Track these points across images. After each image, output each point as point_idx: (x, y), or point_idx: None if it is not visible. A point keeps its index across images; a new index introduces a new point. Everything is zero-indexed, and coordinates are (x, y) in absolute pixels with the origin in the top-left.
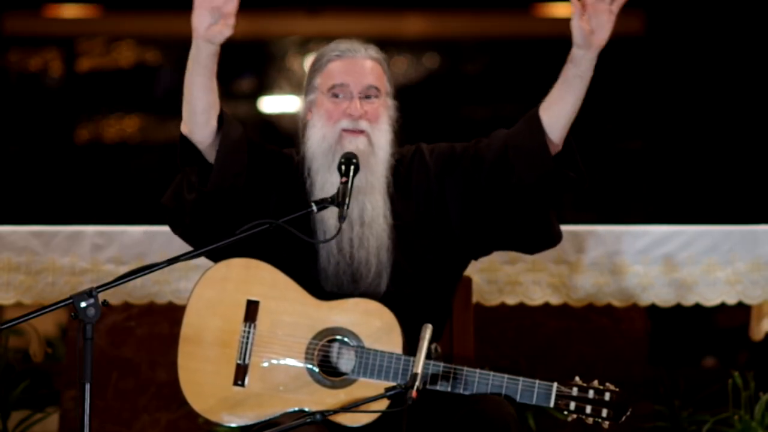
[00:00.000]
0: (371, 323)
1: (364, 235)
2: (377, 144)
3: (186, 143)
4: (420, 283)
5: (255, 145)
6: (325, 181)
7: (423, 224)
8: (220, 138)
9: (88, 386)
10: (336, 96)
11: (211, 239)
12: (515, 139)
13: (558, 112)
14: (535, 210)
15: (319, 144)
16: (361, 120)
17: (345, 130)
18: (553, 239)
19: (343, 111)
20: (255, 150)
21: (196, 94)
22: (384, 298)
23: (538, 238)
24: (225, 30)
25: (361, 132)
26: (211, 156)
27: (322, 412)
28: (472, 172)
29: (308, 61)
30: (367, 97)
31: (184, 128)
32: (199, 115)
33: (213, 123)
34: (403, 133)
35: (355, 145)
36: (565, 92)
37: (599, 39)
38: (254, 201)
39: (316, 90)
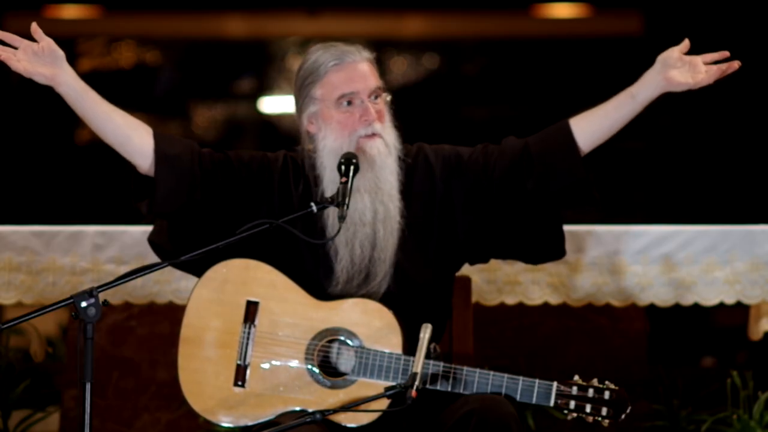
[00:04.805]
0: (371, 323)
1: (384, 235)
2: (390, 143)
3: (139, 177)
4: (420, 283)
5: (215, 157)
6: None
7: (425, 225)
8: (154, 158)
9: (88, 385)
10: (348, 104)
11: (205, 263)
12: (541, 146)
13: (596, 127)
14: (548, 220)
15: (337, 155)
16: (375, 123)
17: (362, 137)
18: (562, 251)
19: (357, 119)
20: (216, 163)
21: (101, 130)
22: (384, 298)
23: (547, 249)
24: (30, 67)
25: (376, 135)
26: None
27: (322, 412)
28: (482, 178)
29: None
30: (376, 97)
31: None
32: (125, 147)
33: (144, 147)
34: (402, 133)
35: (376, 149)
36: (616, 112)
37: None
38: (239, 216)
39: (317, 101)
